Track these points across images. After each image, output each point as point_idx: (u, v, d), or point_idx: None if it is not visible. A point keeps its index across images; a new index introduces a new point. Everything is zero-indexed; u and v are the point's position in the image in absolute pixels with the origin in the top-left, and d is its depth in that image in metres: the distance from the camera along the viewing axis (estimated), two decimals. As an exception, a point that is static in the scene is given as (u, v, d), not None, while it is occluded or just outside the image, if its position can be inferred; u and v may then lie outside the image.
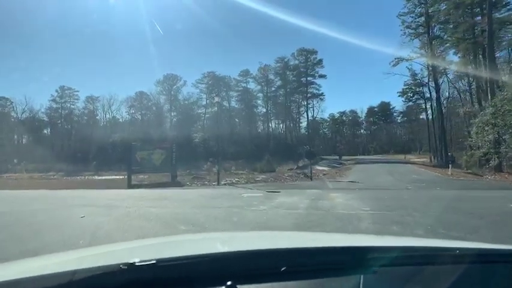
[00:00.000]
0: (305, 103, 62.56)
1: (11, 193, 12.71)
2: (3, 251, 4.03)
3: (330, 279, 0.96)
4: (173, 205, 7.89)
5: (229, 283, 0.88)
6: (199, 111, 65.21)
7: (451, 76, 38.25)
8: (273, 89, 62.99)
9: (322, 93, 62.66)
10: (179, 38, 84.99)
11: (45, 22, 69.40)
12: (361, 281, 0.94)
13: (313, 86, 61.60)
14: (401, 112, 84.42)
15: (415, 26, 38.91)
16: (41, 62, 75.02)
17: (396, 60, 38.88)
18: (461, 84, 43.24)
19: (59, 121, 65.45)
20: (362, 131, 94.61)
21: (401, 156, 58.95)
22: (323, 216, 5.72)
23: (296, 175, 21.86)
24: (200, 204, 7.94)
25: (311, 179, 16.89)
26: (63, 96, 64.60)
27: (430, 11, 37.25)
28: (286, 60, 60.32)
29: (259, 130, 67.92)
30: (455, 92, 45.37)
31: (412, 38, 39.52)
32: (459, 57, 37.49)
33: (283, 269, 0.95)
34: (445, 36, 37.43)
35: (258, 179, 18.95)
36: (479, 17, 31.27)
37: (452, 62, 38.47)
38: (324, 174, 23.43)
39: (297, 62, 60.57)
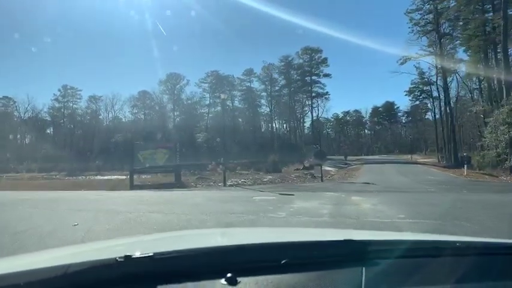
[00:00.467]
0: (309, 103, 61.78)
1: (3, 195, 11.97)
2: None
3: (331, 271, 0.96)
4: (180, 210, 7.15)
5: (229, 275, 0.87)
6: (203, 110, 64.65)
7: (461, 74, 37.17)
8: (277, 88, 62.24)
9: (327, 92, 61.79)
10: (182, 37, 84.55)
11: (48, 21, 69.16)
12: (363, 273, 0.94)
13: (318, 85, 60.78)
14: (406, 112, 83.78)
15: (423, 24, 38.05)
16: (43, 61, 74.82)
17: (404, 58, 38.03)
18: (470, 83, 42.28)
19: (62, 120, 65.11)
20: (366, 131, 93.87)
21: (406, 157, 58.20)
22: (355, 227, 4.97)
23: (303, 176, 21.13)
24: (210, 209, 7.19)
25: (321, 180, 16.13)
26: (66, 96, 64.25)
27: (439, 8, 36.39)
28: (290, 59, 59.60)
29: (263, 130, 67.22)
30: (463, 91, 44.48)
31: (421, 35, 38.68)
32: (469, 55, 36.71)
33: (283, 261, 0.94)
34: (455, 34, 36.61)
35: (265, 179, 18.25)
36: (491, 14, 30.46)
37: (462, 60, 37.63)
38: (332, 175, 22.69)
39: (301, 60, 59.82)
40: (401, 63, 39.03)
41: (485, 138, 23.86)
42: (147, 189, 14.10)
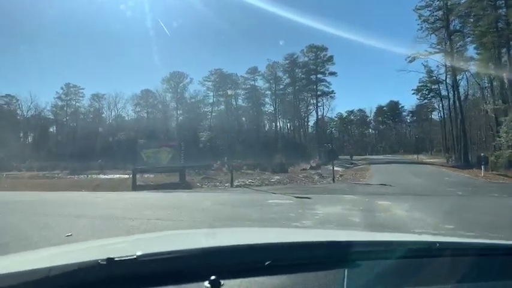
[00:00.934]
0: (314, 101, 60.88)
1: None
2: None
3: (314, 273, 0.96)
4: (189, 217, 6.37)
5: (213, 278, 0.86)
6: (206, 109, 63.98)
7: (470, 72, 36.19)
8: (281, 86, 61.35)
9: (333, 90, 60.77)
10: (186, 36, 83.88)
11: (51, 20, 68.82)
12: (345, 274, 0.94)
13: (323, 83, 59.80)
14: (410, 111, 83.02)
15: (433, 20, 37.10)
16: (46, 59, 74.49)
17: (413, 55, 37.06)
18: (480, 81, 41.26)
19: (65, 119, 64.71)
20: (370, 130, 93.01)
21: (412, 157, 57.37)
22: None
23: (311, 176, 20.39)
24: (222, 215, 6.39)
25: (333, 181, 15.36)
26: (69, 94, 63.81)
27: (449, 4, 35.47)
28: (295, 57, 58.64)
29: (266, 129, 66.48)
30: (471, 90, 43.43)
31: (430, 32, 37.76)
32: (479, 52, 35.73)
33: (267, 263, 0.94)
34: (466, 30, 35.64)
35: (272, 180, 17.52)
36: (504, 9, 29.55)
37: (473, 58, 36.65)
38: (342, 175, 21.90)
39: (306, 59, 58.86)
40: (410, 61, 38.13)
41: (500, 137, 22.98)
42: (151, 190, 13.35)
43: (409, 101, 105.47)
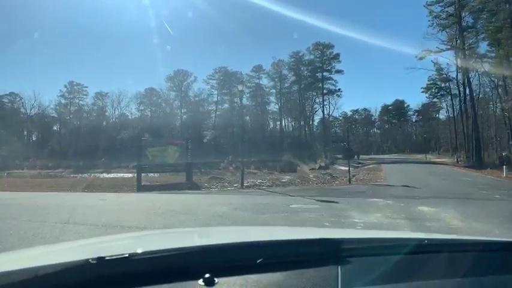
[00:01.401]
0: (319, 100, 59.94)
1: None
2: None
3: (307, 270, 0.96)
4: (207, 226, 5.57)
5: (207, 275, 0.86)
6: (210, 108, 63.33)
7: (486, 68, 35.13)
8: (287, 85, 60.47)
9: (339, 89, 59.75)
10: (190, 34, 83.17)
11: (55, 18, 68.42)
12: (339, 271, 0.95)
13: (329, 81, 58.82)
14: (416, 111, 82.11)
15: (444, 16, 36.09)
16: (50, 57, 74.15)
17: (424, 53, 36.02)
18: (493, 79, 40.15)
19: (68, 117, 64.33)
20: (375, 129, 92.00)
21: (419, 156, 56.56)
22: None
23: (322, 176, 19.58)
24: (246, 224, 5.51)
25: (349, 182, 14.53)
26: (72, 92, 63.41)
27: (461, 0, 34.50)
28: (301, 54, 57.72)
29: (270, 128, 65.69)
30: (483, 88, 42.30)
31: (441, 29, 36.76)
32: (491, 50, 34.68)
33: (259, 260, 0.94)
34: (479, 26, 34.60)
35: (283, 180, 16.72)
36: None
37: (486, 55, 35.58)
38: (353, 176, 21.08)
39: (312, 56, 57.94)
40: (420, 58, 37.08)
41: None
42: (157, 191, 12.57)
43: (414, 100, 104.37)
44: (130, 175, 20.45)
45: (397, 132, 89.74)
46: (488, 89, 42.51)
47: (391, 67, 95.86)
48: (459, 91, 40.33)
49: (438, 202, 7.94)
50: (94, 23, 75.25)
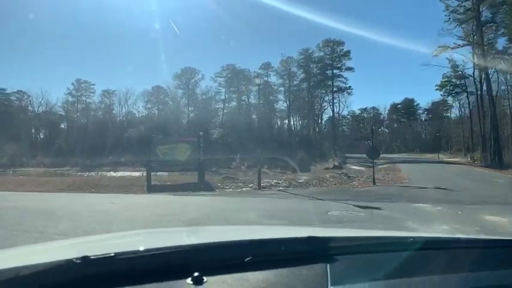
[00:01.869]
0: (328, 98, 58.76)
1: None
2: None
3: (296, 268, 0.97)
4: None
5: (196, 274, 0.86)
6: (217, 106, 62.56)
7: (505, 65, 33.75)
8: (295, 82, 59.38)
9: (350, 86, 58.48)
10: (198, 32, 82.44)
11: (63, 16, 68.24)
12: (328, 269, 0.96)
13: (339, 79, 57.60)
14: (426, 109, 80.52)
15: (462, 11, 34.75)
16: (57, 55, 74.12)
17: (440, 49, 34.75)
18: (505, 76, 38.67)
19: (75, 115, 64.21)
20: (383, 128, 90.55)
21: (429, 156, 55.26)
22: None
23: (338, 176, 18.63)
24: None
25: (373, 183, 13.58)
26: (79, 90, 63.23)
27: (480, -7, 33.13)
28: (310, 51, 56.60)
29: (278, 126, 64.73)
30: (499, 85, 40.77)
31: (458, 24, 35.42)
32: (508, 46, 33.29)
33: (247, 259, 0.94)
34: (498, 20, 33.20)
35: (300, 180, 15.80)
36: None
37: (506, 51, 34.16)
38: (370, 176, 20.09)
39: (321, 53, 56.79)
40: (436, 55, 35.86)
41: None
42: (169, 192, 11.73)
43: (424, 99, 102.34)
44: (138, 174, 19.72)
45: (407, 131, 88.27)
46: (503, 87, 41.00)
47: (401, 65, 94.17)
48: (476, 88, 38.91)
49: (497, 209, 6.92)
50: (102, 21, 74.98)
